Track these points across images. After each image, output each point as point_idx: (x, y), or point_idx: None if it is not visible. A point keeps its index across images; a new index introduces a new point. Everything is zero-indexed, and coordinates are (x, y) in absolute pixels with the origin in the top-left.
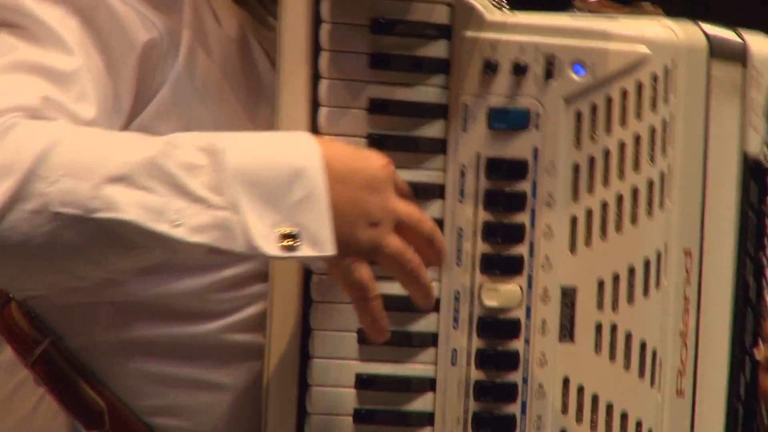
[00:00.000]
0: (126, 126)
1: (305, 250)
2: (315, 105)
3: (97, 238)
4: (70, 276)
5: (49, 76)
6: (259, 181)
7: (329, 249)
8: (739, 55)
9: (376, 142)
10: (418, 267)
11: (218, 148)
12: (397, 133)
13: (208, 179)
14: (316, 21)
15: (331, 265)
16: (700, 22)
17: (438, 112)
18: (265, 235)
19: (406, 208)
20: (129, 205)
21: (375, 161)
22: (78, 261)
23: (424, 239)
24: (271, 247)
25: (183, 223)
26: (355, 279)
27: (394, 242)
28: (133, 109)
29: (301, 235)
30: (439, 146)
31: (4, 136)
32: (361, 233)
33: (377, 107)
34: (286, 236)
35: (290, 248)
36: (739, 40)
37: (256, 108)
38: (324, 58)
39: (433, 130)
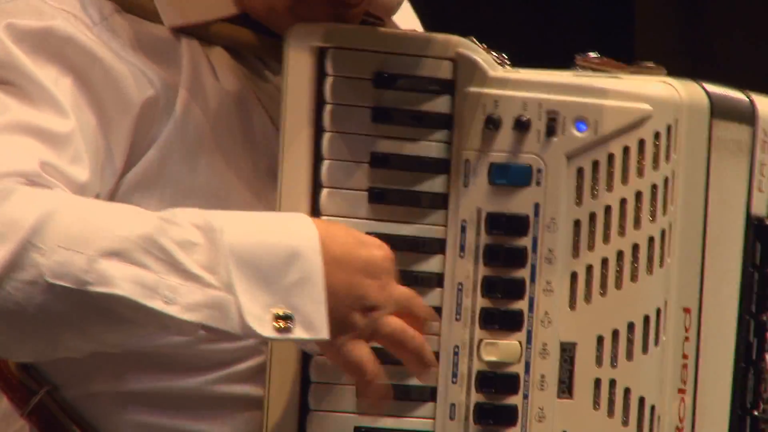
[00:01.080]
0: (118, 182)
1: (298, 333)
2: (318, 158)
3: (89, 312)
4: (60, 347)
5: (45, 139)
6: (255, 261)
7: (323, 332)
8: (746, 116)
9: (377, 196)
10: (420, 346)
11: (215, 226)
12: (399, 187)
13: (203, 258)
14: (320, 75)
15: (325, 346)
16: (702, 82)
17: (440, 166)
18: (258, 316)
19: (405, 293)
20: (123, 280)
21: (375, 248)
22: (69, 333)
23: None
24: (264, 328)
25: (176, 300)
26: (351, 360)
27: (392, 324)
28: (126, 165)
29: (295, 318)
30: (440, 201)
31: (1, 203)
32: (356, 317)
33: (379, 161)
34: (279, 317)
35: (283, 330)
36: (746, 100)
37: (255, 161)
38: (327, 112)
39: (434, 184)
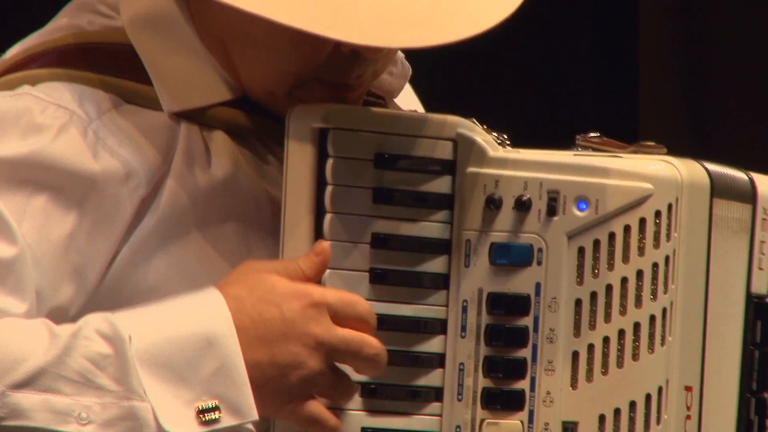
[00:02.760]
0: (99, 283)
1: (227, 420)
2: (318, 239)
3: None
4: None
5: None
6: (168, 361)
7: (252, 414)
8: (746, 195)
9: (378, 276)
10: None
11: (122, 335)
12: (400, 267)
13: (114, 369)
14: (321, 156)
15: (278, 415)
16: (703, 161)
17: (441, 247)
18: (180, 415)
19: (336, 337)
20: (35, 411)
21: (289, 302)
22: None
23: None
24: (188, 425)
25: (92, 419)
26: (305, 418)
27: (328, 376)
28: (109, 267)
29: (221, 406)
30: (441, 281)
31: None
32: (291, 379)
33: (380, 242)
34: (204, 410)
35: (211, 421)
36: (746, 179)
37: (248, 245)
38: (328, 192)
39: (435, 265)
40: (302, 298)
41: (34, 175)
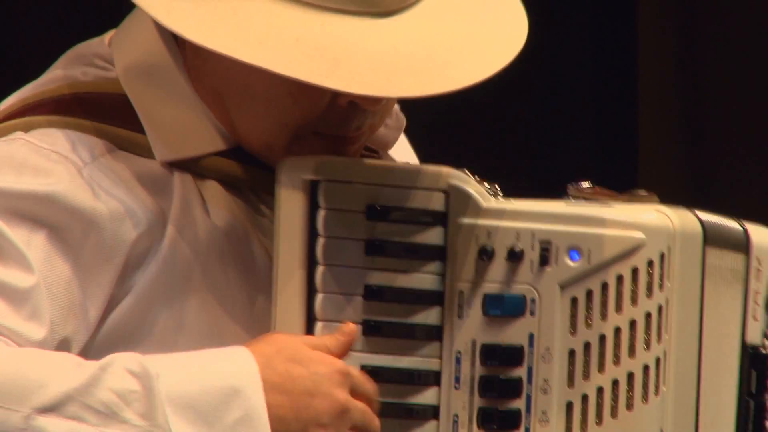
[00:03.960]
0: (97, 331)
1: None
2: (311, 291)
3: None
4: None
5: (3, 293)
6: (194, 404)
7: None
8: (740, 245)
9: (371, 328)
10: None
11: (151, 373)
12: (393, 319)
13: (140, 405)
14: (313, 207)
15: None
16: (695, 210)
17: (433, 298)
18: None
19: (357, 407)
20: None
21: (317, 366)
22: None
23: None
24: None
25: None
26: None
27: None
28: (104, 314)
29: None
30: (434, 333)
31: None
32: None
33: (373, 294)
34: None
35: None
36: (740, 229)
37: (250, 295)
38: (320, 245)
39: (428, 317)
40: (329, 364)
41: (32, 210)
